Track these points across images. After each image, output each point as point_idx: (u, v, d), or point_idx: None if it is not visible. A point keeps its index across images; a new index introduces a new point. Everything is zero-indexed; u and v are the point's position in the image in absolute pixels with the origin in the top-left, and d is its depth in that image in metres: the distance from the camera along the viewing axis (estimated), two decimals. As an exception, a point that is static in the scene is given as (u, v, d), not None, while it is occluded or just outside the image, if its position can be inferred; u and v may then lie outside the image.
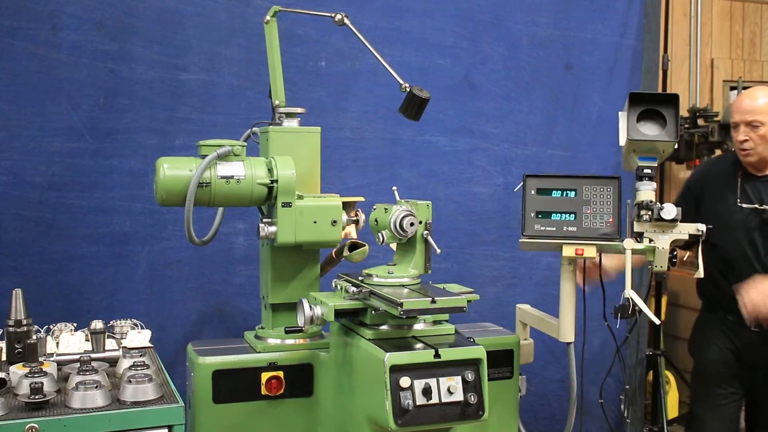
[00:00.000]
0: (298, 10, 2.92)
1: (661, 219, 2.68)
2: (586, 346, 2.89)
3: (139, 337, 2.64)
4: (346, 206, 2.65)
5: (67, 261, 3.17)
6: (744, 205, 3.08)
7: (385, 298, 2.25)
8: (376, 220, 2.52)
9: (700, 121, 4.66)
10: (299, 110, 2.71)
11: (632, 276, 2.70)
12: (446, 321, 2.45)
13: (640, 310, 2.63)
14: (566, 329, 2.82)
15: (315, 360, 2.60)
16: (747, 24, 5.33)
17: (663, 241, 2.70)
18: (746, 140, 3.02)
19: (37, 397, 2.05)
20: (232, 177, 2.48)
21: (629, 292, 2.63)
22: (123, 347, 2.56)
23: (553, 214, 2.83)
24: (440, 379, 2.18)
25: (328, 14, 2.78)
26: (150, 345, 2.63)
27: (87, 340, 2.60)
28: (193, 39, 3.33)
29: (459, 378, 2.20)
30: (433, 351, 2.21)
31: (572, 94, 4.03)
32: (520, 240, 2.86)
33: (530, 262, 3.93)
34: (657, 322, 2.87)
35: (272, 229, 2.54)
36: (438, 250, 2.44)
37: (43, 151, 3.13)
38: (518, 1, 3.89)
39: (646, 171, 2.76)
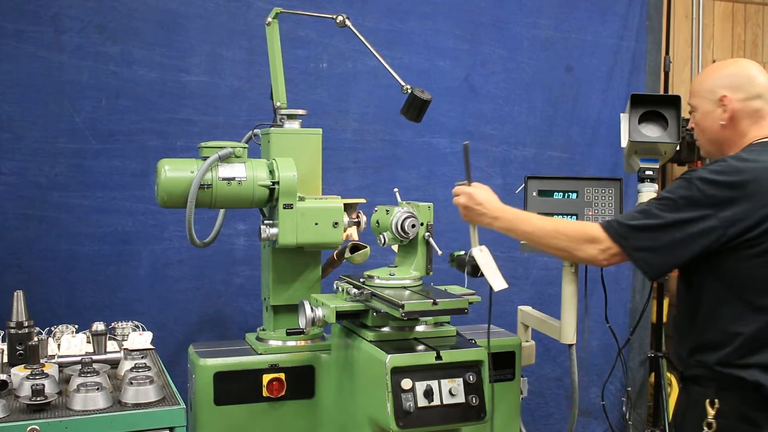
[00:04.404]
0: (299, 11, 2.93)
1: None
2: (589, 348, 2.88)
3: (141, 338, 2.64)
4: (348, 208, 2.64)
5: (70, 260, 3.19)
6: None
7: (387, 299, 2.25)
8: (377, 222, 2.52)
9: (702, 123, 4.64)
10: (300, 112, 2.72)
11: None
12: (447, 323, 2.45)
13: (482, 274, 2.36)
14: (568, 331, 2.82)
15: (316, 362, 2.59)
16: (749, 26, 5.32)
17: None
18: (692, 127, 2.23)
19: (38, 399, 2.05)
20: (233, 179, 2.48)
21: (474, 252, 2.37)
22: (124, 349, 2.56)
23: (554, 216, 2.82)
24: (442, 380, 2.18)
25: (330, 16, 2.78)
26: (151, 347, 2.63)
27: (88, 341, 2.60)
28: (195, 41, 3.34)
29: (460, 380, 2.20)
30: (434, 353, 2.20)
31: (571, 95, 4.03)
32: (521, 242, 2.85)
33: (527, 263, 3.92)
34: (497, 289, 2.32)
35: (273, 230, 2.54)
36: (439, 252, 2.44)
37: (47, 152, 3.15)
38: (519, 4, 3.90)
39: (647, 173, 2.75)
